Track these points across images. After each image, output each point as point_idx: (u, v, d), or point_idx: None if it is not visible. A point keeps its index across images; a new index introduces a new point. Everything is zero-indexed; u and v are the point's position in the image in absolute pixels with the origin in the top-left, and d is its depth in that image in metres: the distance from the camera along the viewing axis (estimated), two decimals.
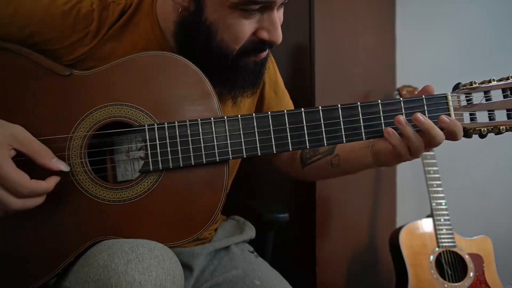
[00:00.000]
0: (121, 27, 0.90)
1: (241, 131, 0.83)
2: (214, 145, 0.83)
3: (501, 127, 0.85)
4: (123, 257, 0.70)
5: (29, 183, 0.73)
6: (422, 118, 0.82)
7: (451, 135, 0.83)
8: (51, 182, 0.77)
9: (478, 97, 0.86)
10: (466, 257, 1.59)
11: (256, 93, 0.98)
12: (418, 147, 0.83)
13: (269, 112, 0.84)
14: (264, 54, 0.89)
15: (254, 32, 0.84)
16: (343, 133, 0.85)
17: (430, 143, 0.83)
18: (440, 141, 0.83)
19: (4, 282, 0.81)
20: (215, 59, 0.86)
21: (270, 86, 1.10)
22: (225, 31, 0.83)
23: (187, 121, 0.82)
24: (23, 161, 0.75)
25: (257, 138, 0.84)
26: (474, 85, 0.85)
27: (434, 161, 1.70)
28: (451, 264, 1.60)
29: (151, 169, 0.82)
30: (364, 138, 0.85)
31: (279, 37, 0.85)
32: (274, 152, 0.84)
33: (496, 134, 0.86)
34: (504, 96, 0.85)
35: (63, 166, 0.79)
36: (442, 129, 0.82)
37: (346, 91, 1.67)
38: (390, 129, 0.83)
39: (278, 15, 0.85)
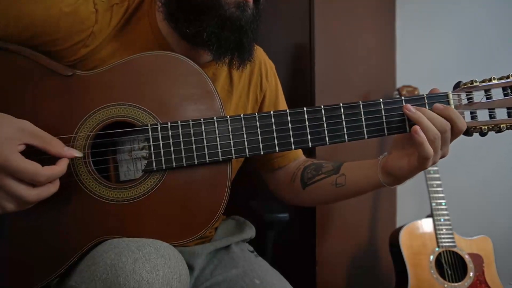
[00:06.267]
0: (122, 27, 0.91)
1: (244, 131, 0.84)
2: (217, 144, 0.83)
3: (501, 125, 0.85)
4: (130, 256, 0.71)
5: (44, 170, 0.73)
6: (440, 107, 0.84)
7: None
8: (63, 165, 0.76)
9: (478, 96, 0.86)
10: (466, 257, 1.59)
11: (250, 70, 1.02)
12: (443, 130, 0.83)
13: (271, 111, 0.85)
14: None
15: None
16: (345, 132, 0.85)
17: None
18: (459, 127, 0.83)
19: (9, 282, 0.81)
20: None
21: (270, 101, 1.11)
22: None
23: (190, 120, 0.83)
24: (28, 154, 0.74)
25: (259, 137, 0.84)
26: (475, 84, 0.86)
27: None
28: (451, 264, 1.60)
29: (155, 169, 0.82)
30: (366, 137, 0.86)
31: None
32: (277, 151, 0.84)
33: (496, 132, 0.86)
34: (505, 95, 0.86)
35: (77, 153, 0.79)
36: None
37: (346, 91, 1.67)
38: (417, 126, 0.83)
39: None
